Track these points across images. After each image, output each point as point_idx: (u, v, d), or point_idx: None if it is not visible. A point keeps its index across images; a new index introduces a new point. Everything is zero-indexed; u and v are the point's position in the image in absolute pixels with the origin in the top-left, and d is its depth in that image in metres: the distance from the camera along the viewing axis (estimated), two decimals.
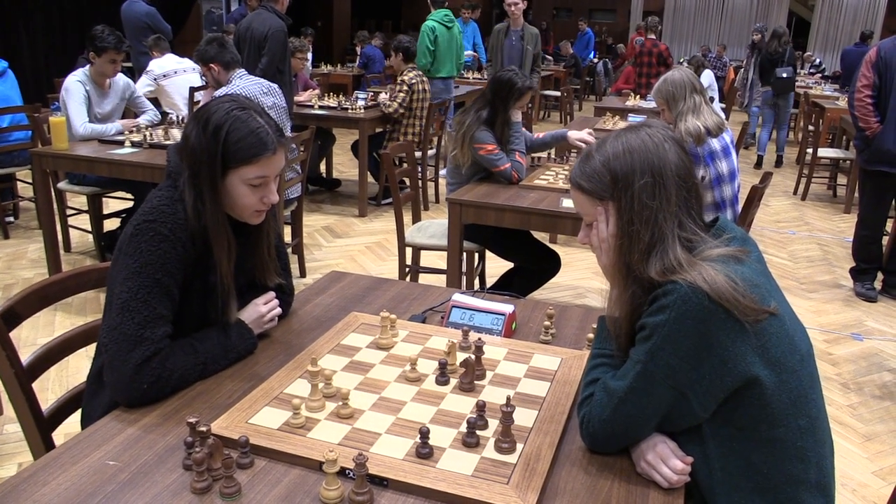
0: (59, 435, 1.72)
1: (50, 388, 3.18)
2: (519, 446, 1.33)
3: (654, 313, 1.24)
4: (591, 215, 1.36)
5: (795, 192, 7.33)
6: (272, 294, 1.78)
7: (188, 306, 1.58)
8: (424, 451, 1.29)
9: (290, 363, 1.62)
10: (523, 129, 3.72)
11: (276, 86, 4.20)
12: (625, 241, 1.30)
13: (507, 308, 1.86)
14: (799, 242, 5.78)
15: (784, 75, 8.02)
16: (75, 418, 1.77)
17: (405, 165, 4.15)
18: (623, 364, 1.32)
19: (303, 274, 4.61)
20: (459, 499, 1.19)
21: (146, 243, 1.48)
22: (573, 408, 1.49)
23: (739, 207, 3.45)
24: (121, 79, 4.56)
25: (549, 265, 3.72)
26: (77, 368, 3.33)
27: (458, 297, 1.93)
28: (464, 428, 1.37)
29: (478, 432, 1.35)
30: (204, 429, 1.24)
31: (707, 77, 7.40)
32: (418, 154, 5.99)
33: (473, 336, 1.77)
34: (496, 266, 4.47)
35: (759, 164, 8.52)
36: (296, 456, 1.29)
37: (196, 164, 1.53)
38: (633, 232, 1.28)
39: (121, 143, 4.24)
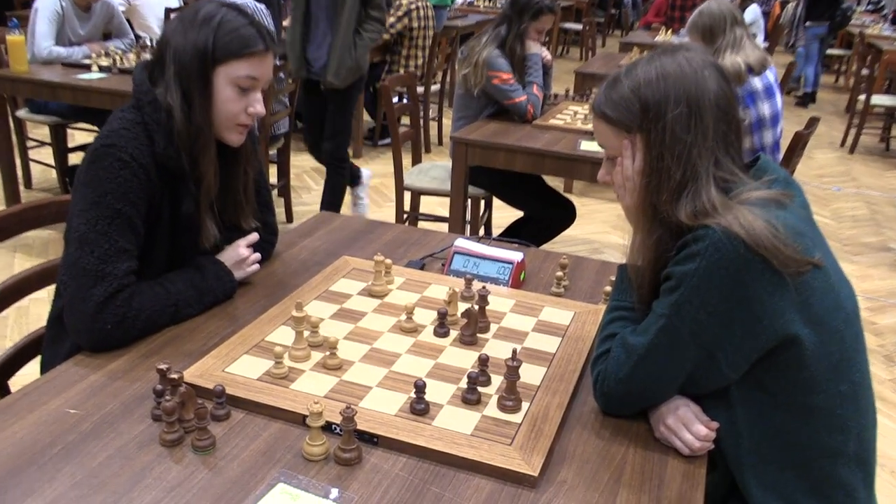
0: (16, 385, 1.73)
1: (8, 336, 3.20)
2: (525, 405, 1.33)
3: (683, 261, 1.22)
4: (615, 149, 1.34)
5: (843, 144, 7.27)
6: (256, 236, 1.77)
7: (156, 244, 1.57)
8: (419, 407, 1.29)
9: (272, 309, 1.62)
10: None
11: (262, 6, 4.13)
12: (653, 179, 1.27)
13: (516, 256, 1.86)
14: (844, 200, 5.75)
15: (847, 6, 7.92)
16: (34, 367, 1.77)
17: (405, 101, 4.10)
18: (644, 318, 1.31)
19: (289, 219, 4.60)
20: (457, 459, 1.20)
21: (105, 170, 1.46)
22: (586, 366, 1.49)
23: (780, 156, 3.42)
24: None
25: (562, 215, 3.70)
26: (38, 316, 3.34)
27: (462, 243, 1.92)
28: (464, 384, 1.37)
29: (479, 389, 1.35)
30: (175, 376, 1.24)
31: (752, 13, 7.25)
32: (420, 89, 5.92)
33: (477, 285, 1.77)
34: (504, 216, 4.46)
35: (803, 102, 8.42)
36: (277, 408, 1.29)
37: (184, 57, 1.51)
38: (662, 169, 1.26)
39: (87, 68, 4.18)
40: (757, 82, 3.28)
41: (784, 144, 3.36)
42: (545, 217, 3.71)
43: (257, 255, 1.76)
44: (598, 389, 1.34)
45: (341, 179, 4.18)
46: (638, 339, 1.28)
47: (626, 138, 1.31)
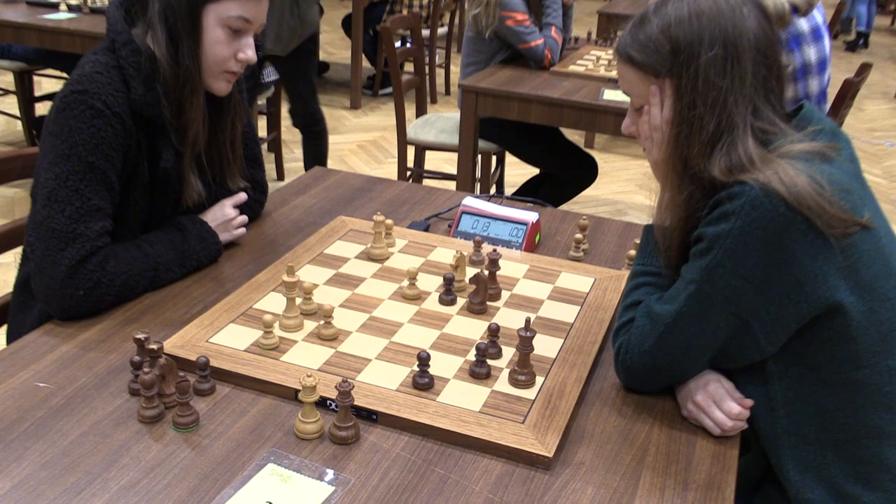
0: None
1: None
2: (539, 380, 1.34)
3: (716, 221, 1.21)
4: (642, 96, 1.32)
5: None
6: (243, 196, 1.77)
7: (132, 203, 1.57)
8: (423, 382, 1.30)
9: (261, 273, 1.63)
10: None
11: None
12: (683, 129, 1.26)
13: (530, 217, 1.85)
14: None
15: None
16: None
17: (408, 45, 4.07)
18: (672, 284, 1.31)
19: (280, 176, 4.60)
20: (464, 438, 1.21)
21: (75, 119, 1.44)
22: (607, 337, 1.49)
23: (827, 106, 3.38)
24: None
25: (582, 173, 3.70)
26: (4, 282, 3.36)
27: (471, 202, 1.92)
28: (472, 356, 1.38)
29: (489, 361, 1.36)
30: (155, 346, 1.24)
31: None
32: (425, 32, 5.87)
33: (487, 248, 1.76)
34: (517, 173, 4.44)
35: (853, 47, 8.30)
36: (266, 382, 1.30)
37: None
38: (694, 118, 1.24)
39: (55, 7, 4.15)
40: (803, 23, 3.23)
41: (832, 94, 3.32)
42: (563, 174, 3.70)
43: (244, 218, 1.76)
44: (620, 363, 1.35)
45: (319, 142, 4.09)
46: (665, 307, 1.28)
47: (654, 84, 1.29)
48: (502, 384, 1.33)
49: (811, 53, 3.25)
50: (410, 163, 3.85)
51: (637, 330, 1.31)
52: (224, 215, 1.72)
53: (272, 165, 4.58)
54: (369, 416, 1.25)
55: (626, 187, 4.82)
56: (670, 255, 1.34)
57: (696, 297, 1.24)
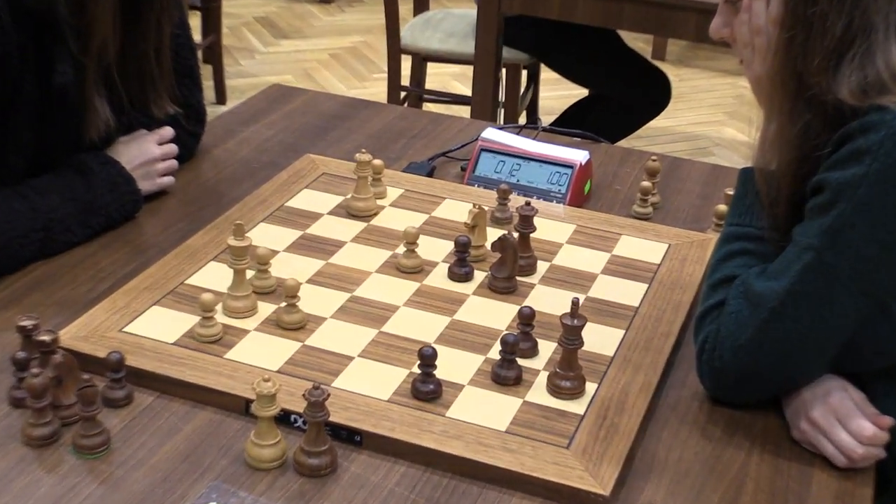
0: None
1: None
2: (590, 387, 1.34)
3: (843, 163, 1.21)
4: None
5: None
6: (169, 132, 1.76)
7: (13, 133, 1.56)
8: (427, 390, 1.30)
9: (197, 235, 1.63)
10: None
11: None
12: (798, 32, 1.25)
13: (578, 157, 1.83)
14: None
15: None
16: None
17: None
18: (779, 252, 1.30)
19: (220, 98, 4.59)
20: (485, 469, 1.20)
21: None
22: (687, 327, 1.48)
23: None
24: None
25: (650, 95, 3.68)
26: None
27: (492, 135, 1.89)
28: (496, 353, 1.37)
29: (519, 361, 1.36)
30: (47, 338, 1.24)
31: None
32: None
33: (517, 201, 1.75)
34: (557, 95, 4.42)
35: None
36: (206, 389, 1.30)
37: None
38: (814, 16, 1.23)
39: None
40: None
41: None
42: (623, 97, 3.68)
43: (173, 162, 1.76)
44: (706, 363, 1.34)
45: None
46: (769, 284, 1.27)
47: None
48: (538, 393, 1.32)
49: None
50: (406, 80, 3.83)
51: (730, 317, 1.31)
52: (145, 154, 1.71)
53: (210, 83, 4.57)
54: (351, 437, 1.24)
55: (713, 115, 4.80)
56: (777, 211, 1.34)
57: (813, 271, 1.23)
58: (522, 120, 4.06)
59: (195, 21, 4.59)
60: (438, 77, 4.74)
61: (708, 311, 1.36)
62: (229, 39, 5.22)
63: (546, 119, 4.14)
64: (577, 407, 1.30)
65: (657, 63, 4.81)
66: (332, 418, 1.21)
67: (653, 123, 3.93)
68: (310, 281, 1.53)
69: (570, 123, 3.67)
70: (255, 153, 1.95)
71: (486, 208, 1.65)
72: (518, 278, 1.56)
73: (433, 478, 1.21)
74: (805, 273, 1.24)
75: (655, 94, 3.68)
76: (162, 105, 1.73)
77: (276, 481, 1.18)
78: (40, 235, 1.54)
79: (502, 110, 3.69)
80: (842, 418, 1.27)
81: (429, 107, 4.15)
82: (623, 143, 3.72)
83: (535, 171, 1.84)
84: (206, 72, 4.59)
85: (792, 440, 1.31)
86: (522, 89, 4.01)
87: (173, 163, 1.76)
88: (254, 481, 1.18)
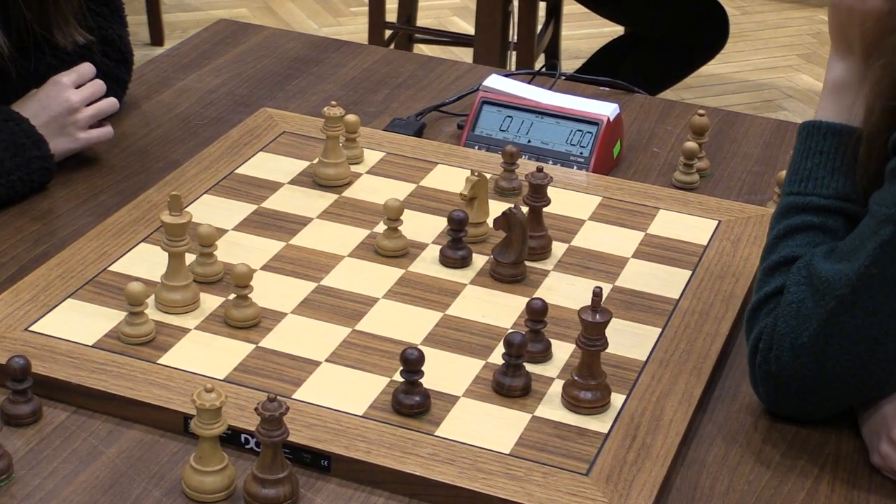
0: None
1: None
2: (616, 400, 1.34)
3: None
4: None
5: None
6: (88, 68, 1.76)
7: None
8: (412, 402, 1.30)
9: (122, 210, 1.63)
10: None
11: None
12: None
13: (605, 110, 1.83)
14: None
15: None
16: None
17: None
18: (853, 227, 1.31)
19: (155, 38, 4.58)
20: (484, 502, 1.20)
21: None
22: (738, 324, 1.48)
23: None
24: None
25: (702, 32, 3.68)
26: None
27: (497, 84, 1.90)
28: (498, 357, 1.38)
29: (527, 366, 1.36)
30: None
31: None
32: None
33: (527, 166, 1.75)
34: (583, 35, 4.41)
35: None
36: (134, 402, 1.30)
37: None
38: None
39: None
40: None
41: None
42: (668, 36, 3.69)
43: (102, 107, 1.75)
44: (760, 367, 1.34)
45: None
46: (838, 266, 1.27)
47: None
48: (551, 406, 1.33)
49: None
50: (391, 15, 3.82)
51: (789, 308, 1.31)
52: (58, 102, 1.71)
53: (142, 18, 4.57)
54: (316, 461, 1.25)
55: (782, 59, 4.79)
56: (864, 176, 1.34)
57: (893, 249, 1.23)
58: (540, 65, 4.05)
59: None
60: (433, 11, 4.72)
61: (763, 302, 1.36)
62: None
63: (570, 65, 4.13)
64: (599, 424, 1.30)
65: None
66: (292, 438, 1.21)
67: (705, 69, 3.91)
68: (265, 267, 1.54)
69: (600, 70, 3.66)
70: (197, 107, 1.95)
71: (487, 176, 1.65)
72: (527, 263, 1.57)
73: None
74: (882, 252, 1.23)
75: (709, 32, 3.68)
76: (68, 31, 1.73)
77: None
78: None
79: (513, 53, 3.68)
80: None
81: (421, 49, 4.13)
82: (665, 94, 3.69)
83: (551, 128, 1.84)
84: (137, 4, 4.59)
85: (871, 467, 1.31)
86: (540, 27, 4.00)
87: (102, 105, 1.75)
88: None
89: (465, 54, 3.81)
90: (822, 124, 1.38)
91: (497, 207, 1.63)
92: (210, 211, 1.64)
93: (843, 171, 1.36)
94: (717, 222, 1.69)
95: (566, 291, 1.53)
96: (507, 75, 1.98)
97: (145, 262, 1.53)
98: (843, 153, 1.35)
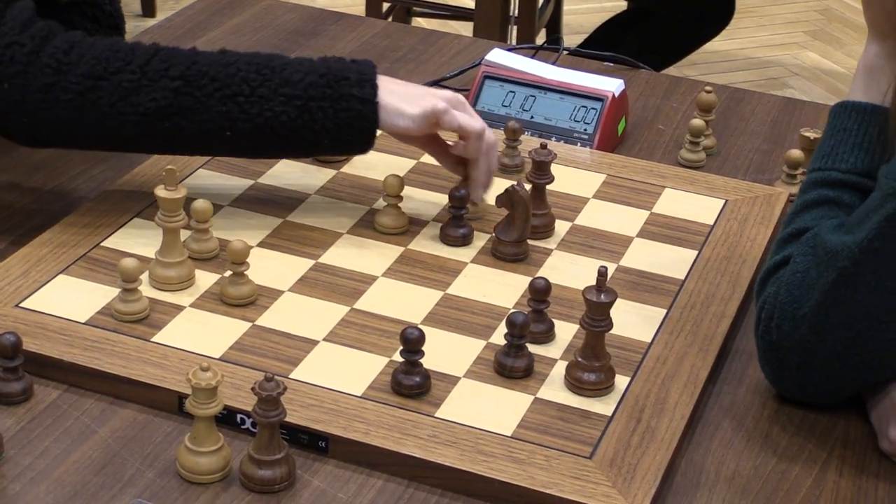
0: None
1: None
2: (620, 382, 1.34)
3: None
4: None
5: None
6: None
7: None
8: (412, 383, 1.30)
9: (116, 184, 1.64)
10: None
11: None
12: None
13: (610, 86, 1.84)
14: None
15: None
16: None
17: None
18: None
19: (147, 9, 4.60)
20: (486, 484, 1.20)
21: None
22: (746, 306, 1.49)
23: None
24: None
25: (707, 7, 3.68)
26: None
27: (500, 58, 1.90)
28: (500, 337, 1.37)
29: (530, 347, 1.36)
30: None
31: None
32: None
33: (530, 143, 1.75)
34: (586, 9, 4.40)
35: None
36: (128, 381, 1.30)
37: None
38: None
39: None
40: None
41: None
42: (673, 11, 3.69)
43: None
44: (762, 337, 1.34)
45: None
46: (845, 238, 1.27)
47: None
48: (554, 388, 1.33)
49: None
50: None
51: (794, 277, 1.31)
52: (428, 92, 1.67)
53: None
54: (314, 442, 1.25)
55: (788, 36, 4.79)
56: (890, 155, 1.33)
57: None
58: (541, 40, 4.05)
59: None
60: None
61: (771, 271, 1.36)
62: None
63: (571, 40, 4.13)
64: (603, 406, 1.30)
65: None
66: (289, 418, 1.21)
67: (710, 46, 3.92)
68: (262, 244, 1.53)
69: (604, 45, 3.67)
70: None
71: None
72: (530, 242, 1.56)
73: (419, 494, 1.21)
74: (888, 224, 1.22)
75: (714, 7, 3.68)
76: None
77: (216, 498, 1.18)
78: None
79: (515, 28, 3.68)
80: None
81: (420, 22, 4.13)
82: (670, 70, 3.70)
83: (555, 104, 1.84)
84: None
85: (879, 452, 1.30)
86: (541, 0, 3.99)
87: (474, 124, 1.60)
88: (188, 498, 1.18)
89: (464, 28, 3.80)
90: (850, 104, 1.38)
91: (500, 185, 1.62)
92: (206, 186, 1.64)
93: (865, 148, 1.36)
94: (723, 201, 1.69)
95: (569, 271, 1.53)
96: (509, 50, 1.97)
97: (139, 237, 1.53)
98: (867, 131, 1.36)
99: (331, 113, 1.52)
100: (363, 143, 1.58)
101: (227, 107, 1.51)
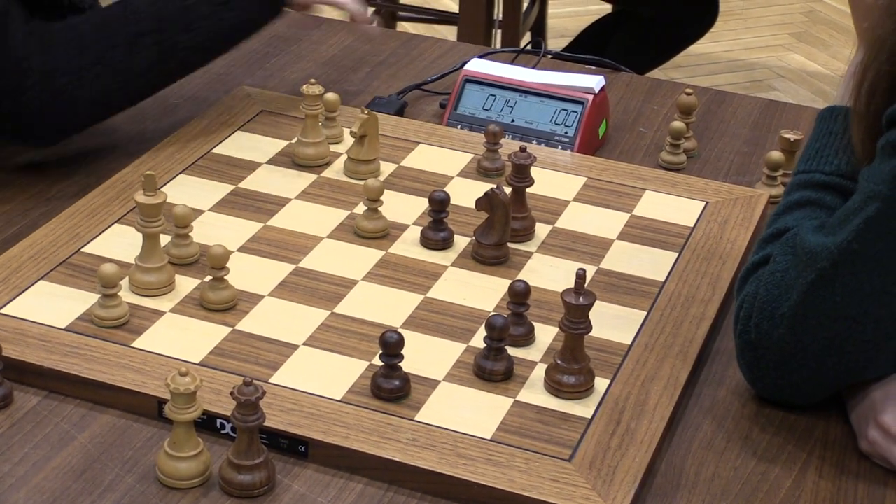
0: None
1: None
2: (600, 384, 1.34)
3: None
4: None
5: None
6: None
7: None
8: (391, 387, 1.31)
9: (96, 189, 1.64)
10: None
11: None
12: None
13: (590, 82, 1.84)
14: None
15: None
16: None
17: None
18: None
19: None
20: (465, 487, 1.21)
21: None
22: (726, 308, 1.49)
23: None
24: None
25: (691, 9, 3.68)
26: None
27: (480, 66, 1.90)
28: (480, 340, 1.38)
29: (510, 350, 1.36)
30: None
31: None
32: None
33: (510, 146, 1.75)
34: (570, 13, 4.40)
35: None
36: (107, 387, 1.30)
37: None
38: None
39: None
40: None
41: None
42: (657, 13, 3.69)
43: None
44: (740, 337, 1.35)
45: None
46: (825, 239, 1.27)
47: None
48: (534, 391, 1.33)
49: None
50: None
51: (773, 277, 1.31)
52: None
53: None
54: (293, 446, 1.25)
55: (773, 38, 4.80)
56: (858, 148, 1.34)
57: (878, 225, 1.23)
58: (525, 43, 4.04)
59: None
60: None
61: (751, 270, 1.37)
62: None
63: (556, 44, 4.13)
64: (583, 409, 1.31)
65: None
66: (268, 423, 1.22)
67: (694, 48, 3.91)
68: (242, 249, 1.54)
69: (588, 49, 3.66)
70: (173, 85, 1.93)
71: (471, 156, 1.66)
72: (510, 245, 1.57)
73: (398, 498, 1.21)
74: (867, 227, 1.23)
75: (698, 10, 3.68)
76: None
77: (196, 503, 1.19)
78: None
79: (499, 31, 3.68)
80: None
81: (404, 26, 4.12)
82: (654, 72, 3.69)
83: (535, 107, 1.84)
84: None
85: (859, 453, 1.31)
86: (526, 4, 3.99)
87: None
88: (168, 503, 1.19)
89: (449, 32, 3.80)
90: (836, 108, 1.39)
91: (480, 188, 1.62)
92: (186, 191, 1.64)
93: (850, 151, 1.36)
94: (704, 203, 1.70)
95: (549, 274, 1.53)
96: (485, 55, 1.98)
97: (119, 243, 1.53)
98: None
99: None
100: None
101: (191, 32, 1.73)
